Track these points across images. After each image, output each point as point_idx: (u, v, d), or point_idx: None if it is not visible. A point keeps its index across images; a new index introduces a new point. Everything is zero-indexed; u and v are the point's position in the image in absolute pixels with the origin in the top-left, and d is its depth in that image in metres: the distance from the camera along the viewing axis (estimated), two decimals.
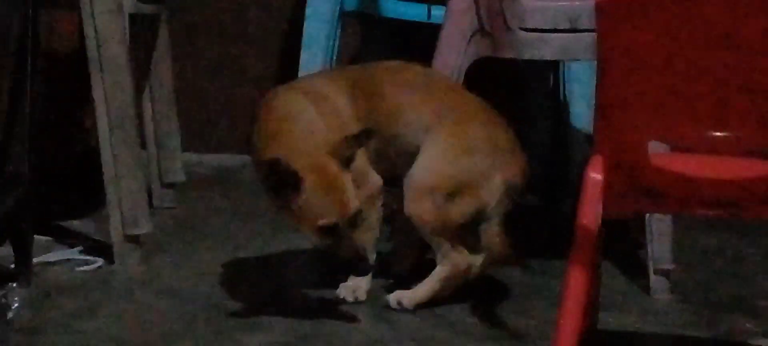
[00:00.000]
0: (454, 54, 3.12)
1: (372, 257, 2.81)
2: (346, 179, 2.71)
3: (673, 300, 3.06)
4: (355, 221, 2.72)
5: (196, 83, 4.21)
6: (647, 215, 3.00)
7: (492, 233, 2.90)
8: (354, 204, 2.71)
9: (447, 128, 2.89)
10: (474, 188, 2.88)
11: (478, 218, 2.90)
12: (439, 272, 2.92)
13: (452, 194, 2.87)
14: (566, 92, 3.75)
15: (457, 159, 2.89)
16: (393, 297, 2.91)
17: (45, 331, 2.77)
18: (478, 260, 2.92)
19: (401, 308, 2.90)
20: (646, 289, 3.08)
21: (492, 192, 2.89)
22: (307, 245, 3.36)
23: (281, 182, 2.66)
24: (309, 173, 2.67)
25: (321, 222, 2.68)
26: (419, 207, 2.87)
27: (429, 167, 2.88)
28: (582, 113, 3.63)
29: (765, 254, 3.43)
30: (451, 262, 2.90)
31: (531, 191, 3.93)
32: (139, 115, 3.47)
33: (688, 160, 2.36)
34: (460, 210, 2.87)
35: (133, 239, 3.18)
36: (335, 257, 2.73)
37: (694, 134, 2.32)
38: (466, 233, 2.90)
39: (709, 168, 2.34)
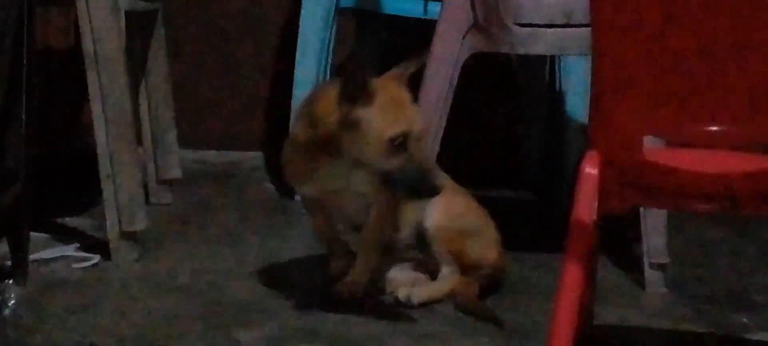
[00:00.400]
0: (449, 49, 3.12)
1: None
2: (410, 98, 2.74)
3: (668, 294, 3.06)
4: (419, 137, 2.72)
5: (192, 80, 4.21)
6: (642, 209, 3.01)
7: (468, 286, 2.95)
8: (419, 121, 2.72)
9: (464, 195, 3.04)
10: (487, 242, 2.98)
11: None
12: (447, 284, 2.95)
13: (470, 232, 2.95)
14: (562, 87, 3.75)
15: (479, 211, 3.01)
16: (403, 292, 2.93)
17: (41, 328, 2.77)
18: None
19: (408, 304, 2.90)
20: (641, 283, 3.08)
21: (492, 255, 2.98)
22: (304, 242, 3.37)
23: (356, 90, 2.67)
24: (378, 89, 2.70)
25: (391, 133, 2.67)
26: (442, 224, 2.93)
27: (458, 200, 2.97)
28: (577, 108, 3.63)
29: (761, 248, 3.44)
30: (457, 277, 2.93)
31: (526, 186, 3.95)
32: (136, 112, 3.47)
33: (684, 154, 2.36)
34: (472, 250, 2.95)
35: (130, 236, 3.18)
36: (403, 186, 2.70)
37: (689, 129, 2.32)
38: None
39: (704, 163, 2.34)
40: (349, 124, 2.69)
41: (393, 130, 2.68)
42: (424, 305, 2.92)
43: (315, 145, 2.75)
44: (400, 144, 2.68)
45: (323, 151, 2.75)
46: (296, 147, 2.81)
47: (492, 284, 3.01)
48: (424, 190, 2.71)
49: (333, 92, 2.72)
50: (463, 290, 2.94)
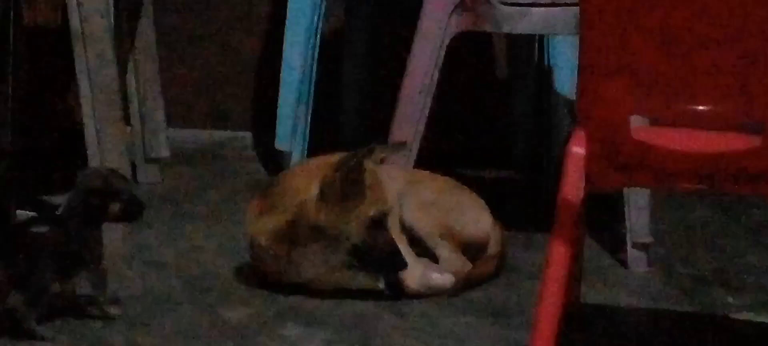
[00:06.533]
0: (435, 27, 3.12)
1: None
2: (383, 177, 2.86)
3: (651, 274, 3.06)
4: (388, 216, 2.82)
5: (180, 58, 4.20)
6: (625, 188, 3.01)
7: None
8: (391, 199, 2.85)
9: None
10: (474, 210, 2.99)
11: (476, 249, 2.97)
12: (454, 261, 2.95)
13: (454, 208, 2.96)
14: (550, 65, 3.75)
15: (458, 187, 3.04)
16: (433, 277, 2.92)
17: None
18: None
19: (442, 287, 2.90)
20: (624, 263, 3.08)
21: (488, 227, 2.98)
22: None
23: (350, 168, 2.76)
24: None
25: (374, 212, 2.76)
26: (422, 215, 2.94)
27: (431, 186, 3.00)
28: (565, 87, 3.63)
29: (747, 229, 3.44)
30: (453, 267, 2.92)
31: (514, 165, 3.95)
32: (123, 91, 3.46)
33: (671, 134, 2.37)
34: (461, 224, 2.95)
35: None
36: (371, 257, 2.79)
37: (676, 108, 2.33)
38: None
39: (691, 142, 2.34)
40: (333, 200, 2.77)
41: (376, 208, 2.77)
42: (462, 285, 2.90)
43: (286, 232, 2.82)
44: (378, 223, 2.78)
45: (295, 236, 2.81)
46: (268, 240, 2.85)
47: (500, 265, 3.00)
48: (393, 263, 2.80)
49: (305, 172, 2.85)
50: (470, 274, 2.95)
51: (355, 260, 2.81)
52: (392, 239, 2.81)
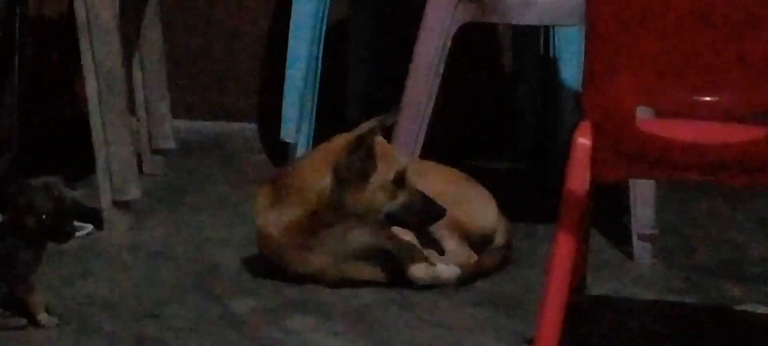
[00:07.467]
0: (441, 19, 3.12)
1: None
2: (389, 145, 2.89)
3: (657, 265, 3.07)
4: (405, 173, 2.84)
5: (186, 49, 4.21)
6: (631, 179, 3.01)
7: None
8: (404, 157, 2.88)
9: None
10: (480, 202, 3.00)
11: (482, 240, 2.98)
12: (461, 253, 2.95)
13: (460, 200, 2.96)
14: (555, 56, 3.75)
15: (464, 178, 3.06)
16: (440, 269, 2.92)
17: None
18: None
19: (448, 279, 2.89)
20: (629, 254, 3.09)
21: (494, 219, 2.99)
22: None
23: (364, 148, 2.78)
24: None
25: (393, 174, 2.78)
26: None
27: (437, 178, 3.00)
28: (571, 77, 3.63)
29: (754, 220, 3.44)
30: (459, 259, 2.92)
31: (519, 157, 3.96)
32: (129, 81, 3.46)
33: (677, 125, 2.37)
34: (467, 215, 2.96)
35: (123, 205, 3.19)
36: (407, 216, 2.81)
37: (682, 99, 2.33)
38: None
39: (697, 133, 2.34)
40: (352, 180, 2.78)
41: (392, 170, 2.80)
42: (465, 278, 2.90)
43: (304, 224, 2.83)
44: (399, 182, 2.79)
45: (313, 223, 2.82)
46: (282, 233, 2.85)
47: (506, 257, 3.01)
48: (430, 216, 2.83)
49: (314, 161, 2.85)
50: (476, 266, 2.95)
51: (392, 223, 2.82)
52: (418, 190, 2.82)
